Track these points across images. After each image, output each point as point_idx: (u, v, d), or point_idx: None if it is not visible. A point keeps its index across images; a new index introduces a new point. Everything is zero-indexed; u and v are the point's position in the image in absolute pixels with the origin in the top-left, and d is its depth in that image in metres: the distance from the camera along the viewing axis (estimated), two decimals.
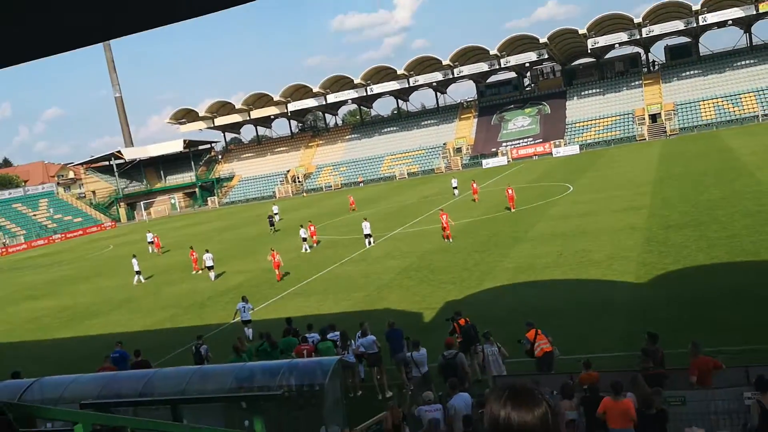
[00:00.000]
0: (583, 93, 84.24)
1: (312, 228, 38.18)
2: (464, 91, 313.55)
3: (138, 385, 11.77)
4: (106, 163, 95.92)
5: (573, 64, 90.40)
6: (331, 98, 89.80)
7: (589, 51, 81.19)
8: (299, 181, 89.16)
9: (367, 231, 34.66)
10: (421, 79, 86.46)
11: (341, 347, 15.48)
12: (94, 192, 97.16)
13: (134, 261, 36.10)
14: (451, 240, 32.23)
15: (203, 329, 22.72)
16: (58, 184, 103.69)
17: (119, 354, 17.31)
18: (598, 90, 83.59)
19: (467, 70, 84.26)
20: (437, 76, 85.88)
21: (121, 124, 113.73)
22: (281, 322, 19.00)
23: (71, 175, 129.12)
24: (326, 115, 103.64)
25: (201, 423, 11.12)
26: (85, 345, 23.87)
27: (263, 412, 5.68)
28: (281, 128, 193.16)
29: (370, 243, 34.60)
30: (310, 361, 13.16)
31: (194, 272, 35.13)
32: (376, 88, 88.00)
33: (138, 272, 35.60)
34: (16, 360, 22.46)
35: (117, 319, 27.73)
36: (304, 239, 36.45)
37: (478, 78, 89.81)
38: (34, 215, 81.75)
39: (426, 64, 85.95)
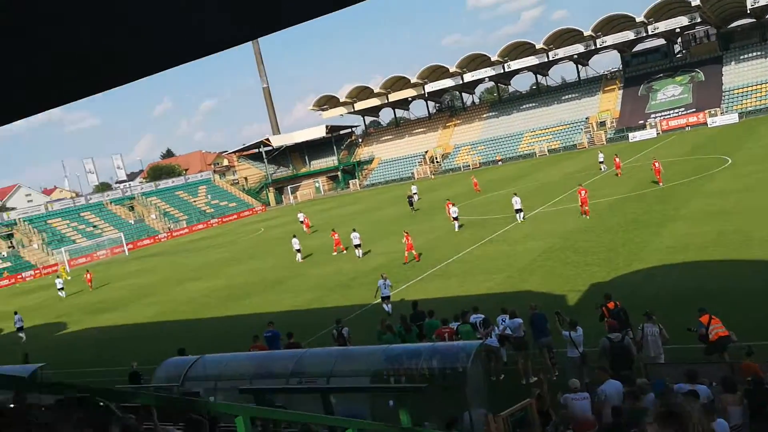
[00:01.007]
0: (741, 57, 77.50)
1: (450, 206, 38.58)
2: (607, 62, 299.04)
3: (289, 364, 12.36)
4: (256, 150, 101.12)
5: (730, 26, 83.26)
6: (468, 77, 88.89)
7: (748, 11, 74.39)
8: (437, 162, 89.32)
9: (517, 206, 34.82)
10: (561, 52, 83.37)
11: (483, 330, 15.38)
12: (246, 178, 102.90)
13: (295, 240, 38.08)
14: (588, 216, 31.38)
15: (348, 309, 23.47)
16: (214, 171, 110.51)
17: (271, 333, 18.24)
18: (759, 53, 76.52)
19: (611, 39, 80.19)
20: (578, 48, 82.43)
21: (269, 113, 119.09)
22: (421, 303, 19.16)
23: (225, 162, 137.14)
24: (463, 94, 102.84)
25: (348, 402, 11.50)
26: (240, 324, 25.39)
27: (408, 399, 5.80)
28: (419, 110, 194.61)
29: (521, 218, 34.50)
30: (453, 345, 13.20)
31: (334, 253, 36.55)
32: (514, 65, 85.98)
33: (298, 251, 37.50)
34: (180, 337, 24.39)
35: (268, 299, 29.28)
36: (455, 218, 36.65)
37: (623, 47, 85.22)
38: (194, 201, 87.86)
39: (566, 37, 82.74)
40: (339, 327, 17.88)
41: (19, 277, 62.80)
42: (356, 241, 34.45)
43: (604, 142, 75.79)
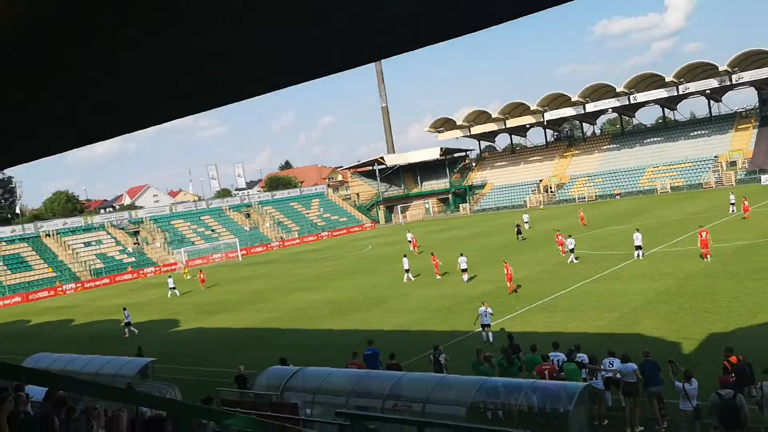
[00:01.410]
0: None
1: (559, 238, 38.04)
2: (742, 99, 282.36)
3: (386, 386, 12.34)
4: (370, 168, 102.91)
5: None
6: (590, 107, 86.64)
7: None
8: (551, 192, 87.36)
9: (638, 242, 33.68)
10: (692, 86, 79.67)
11: (588, 371, 14.74)
12: (358, 194, 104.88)
13: (405, 260, 38.32)
14: (709, 258, 29.85)
15: (448, 335, 23.25)
16: (328, 185, 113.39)
17: (371, 352, 18.27)
18: None
19: (748, 75, 75.80)
20: (711, 82, 78.47)
21: (385, 132, 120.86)
22: (524, 336, 18.69)
23: (339, 177, 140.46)
24: (584, 124, 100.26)
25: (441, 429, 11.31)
26: (340, 338, 25.70)
27: None
28: (536, 137, 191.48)
29: (639, 255, 33.38)
30: (555, 384, 12.73)
31: (438, 276, 36.49)
32: (640, 97, 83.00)
33: (407, 270, 37.70)
34: (283, 345, 25.01)
35: (370, 317, 29.49)
36: (572, 250, 35.68)
37: (762, 84, 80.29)
38: (307, 213, 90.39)
39: (699, 71, 78.99)
40: (436, 353, 17.68)
41: (141, 272, 66.77)
42: (463, 266, 34.18)
43: (734, 183, 71.48)
